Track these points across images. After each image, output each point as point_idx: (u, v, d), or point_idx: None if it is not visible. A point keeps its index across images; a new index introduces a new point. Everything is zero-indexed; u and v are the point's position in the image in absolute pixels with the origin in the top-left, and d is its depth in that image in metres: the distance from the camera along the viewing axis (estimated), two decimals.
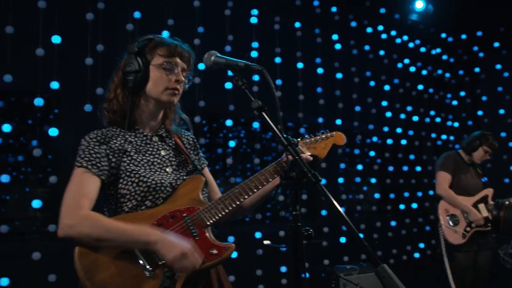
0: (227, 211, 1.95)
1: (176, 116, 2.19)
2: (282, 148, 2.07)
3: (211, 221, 1.93)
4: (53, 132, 4.01)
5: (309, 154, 2.15)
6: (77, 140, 4.07)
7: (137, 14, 4.36)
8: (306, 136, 2.23)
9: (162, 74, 2.00)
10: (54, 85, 3.99)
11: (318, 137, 2.21)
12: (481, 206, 4.49)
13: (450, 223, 4.49)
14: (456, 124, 7.72)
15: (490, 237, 4.53)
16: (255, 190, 2.00)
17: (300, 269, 1.53)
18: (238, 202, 1.96)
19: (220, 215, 1.94)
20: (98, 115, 2.10)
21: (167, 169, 2.03)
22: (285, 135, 1.61)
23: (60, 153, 4.41)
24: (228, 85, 4.87)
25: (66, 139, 4.29)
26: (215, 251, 1.89)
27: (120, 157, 1.94)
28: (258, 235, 5.02)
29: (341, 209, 1.46)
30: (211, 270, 1.97)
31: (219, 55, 1.84)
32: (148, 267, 1.79)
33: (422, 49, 7.42)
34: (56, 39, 4.01)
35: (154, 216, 1.89)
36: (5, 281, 3.74)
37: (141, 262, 1.79)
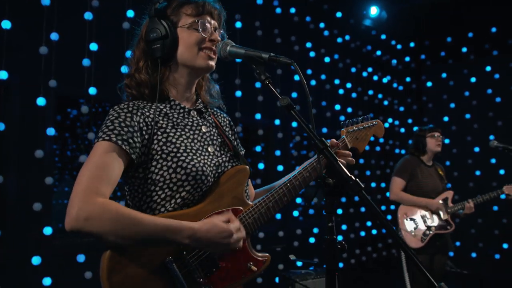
0: (270, 216, 1.74)
1: (210, 85, 1.91)
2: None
3: (253, 228, 1.72)
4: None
5: (350, 147, 1.95)
6: (25, 137, 3.72)
7: (95, 3, 4.05)
8: (348, 121, 1.99)
9: (194, 35, 1.71)
10: (2, 74, 3.62)
11: (361, 125, 1.99)
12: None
13: (409, 227, 4.51)
14: (402, 130, 7.88)
15: (448, 241, 4.59)
16: (298, 190, 1.80)
17: (335, 284, 1.40)
18: (281, 205, 1.76)
19: (263, 220, 1.73)
20: (119, 93, 1.78)
21: (209, 148, 1.74)
22: (318, 137, 1.43)
23: (6, 151, 4.01)
24: None
25: (14, 136, 3.92)
26: (253, 267, 1.71)
27: (154, 133, 1.62)
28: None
29: (388, 221, 1.32)
30: None
31: (235, 44, 1.64)
32: (185, 285, 1.55)
33: (374, 55, 7.52)
34: (6, 24, 3.63)
35: (195, 219, 1.61)
36: None
37: (179, 281, 1.55)
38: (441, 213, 4.51)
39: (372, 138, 2.16)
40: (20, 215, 3.86)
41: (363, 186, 1.34)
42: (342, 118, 6.70)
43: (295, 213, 6.16)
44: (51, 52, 3.76)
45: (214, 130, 1.83)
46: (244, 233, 1.64)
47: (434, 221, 4.49)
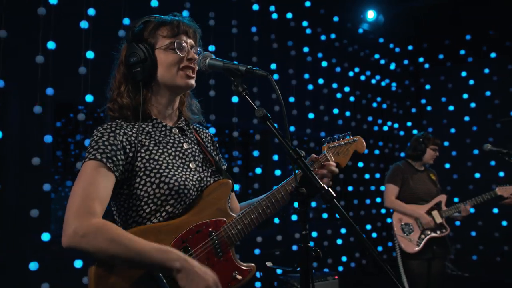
0: (253, 227, 1.80)
1: (192, 102, 1.97)
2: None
3: (237, 239, 1.77)
4: None
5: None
6: (23, 144, 3.76)
7: (91, 11, 4.11)
8: (329, 138, 2.05)
9: (171, 55, 1.77)
10: (0, 83, 3.68)
11: (342, 141, 2.05)
12: (435, 213, 4.56)
13: (404, 232, 4.54)
14: (401, 133, 7.90)
15: (445, 245, 4.60)
16: (281, 203, 1.85)
17: None
18: (264, 217, 1.82)
19: (246, 232, 1.79)
20: (102, 116, 1.84)
21: (190, 165, 1.81)
22: (293, 147, 1.48)
23: (4, 158, 4.06)
24: None
25: (12, 143, 3.97)
26: (238, 276, 1.75)
27: (137, 151, 1.69)
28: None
29: (358, 229, 1.35)
30: None
31: (214, 57, 1.69)
32: None
33: (372, 59, 7.55)
34: (2, 33, 3.69)
35: (179, 229, 1.68)
36: None
37: None
38: (435, 217, 4.53)
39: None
40: (19, 221, 3.91)
41: (335, 195, 1.37)
42: (340, 122, 6.73)
43: (294, 217, 6.19)
44: (47, 60, 3.82)
45: (195, 147, 1.89)
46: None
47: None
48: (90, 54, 4.04)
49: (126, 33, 1.82)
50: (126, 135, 1.71)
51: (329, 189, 1.38)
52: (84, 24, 4.05)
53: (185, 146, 1.84)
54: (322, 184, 1.39)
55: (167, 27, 1.79)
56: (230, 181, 1.86)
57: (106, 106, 1.82)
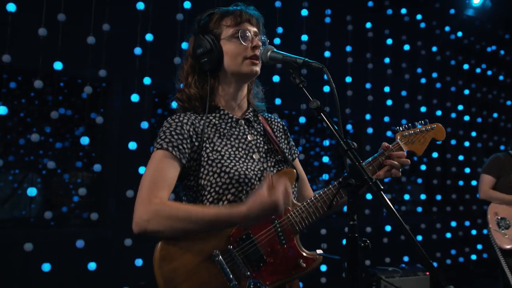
0: (318, 215, 1.78)
1: (258, 89, 2.02)
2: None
3: (301, 227, 1.77)
4: (99, 120, 4.02)
5: (406, 151, 1.92)
6: (122, 129, 4.05)
7: (187, 4, 4.31)
8: (405, 127, 1.97)
9: (236, 44, 1.82)
10: (102, 73, 3.99)
11: (417, 129, 1.96)
12: None
13: (499, 226, 4.29)
14: (509, 125, 7.39)
15: None
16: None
17: (356, 280, 1.39)
18: (330, 205, 1.78)
19: (311, 220, 1.77)
20: (170, 102, 1.94)
21: (254, 156, 1.84)
22: (345, 139, 1.47)
23: (105, 141, 4.42)
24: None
25: (112, 128, 4.31)
26: (303, 264, 1.75)
27: (203, 141, 1.77)
28: None
29: (403, 222, 1.32)
30: None
31: (276, 50, 1.72)
32: (232, 278, 1.65)
33: (477, 46, 7.12)
34: (105, 27, 4.00)
35: None
36: (46, 266, 3.79)
37: (226, 272, 1.66)
38: None
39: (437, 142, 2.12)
40: (117, 200, 4.24)
41: (382, 187, 1.35)
42: (438, 113, 6.45)
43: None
44: (145, 52, 4.08)
45: (260, 138, 1.91)
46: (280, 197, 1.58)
47: None
48: (185, 45, 4.24)
49: (193, 26, 1.89)
50: (193, 126, 1.78)
51: (377, 181, 1.36)
52: (179, 17, 4.25)
53: (249, 138, 1.87)
54: (370, 176, 1.38)
55: (230, 17, 1.84)
56: (294, 170, 1.86)
57: (174, 96, 1.90)
